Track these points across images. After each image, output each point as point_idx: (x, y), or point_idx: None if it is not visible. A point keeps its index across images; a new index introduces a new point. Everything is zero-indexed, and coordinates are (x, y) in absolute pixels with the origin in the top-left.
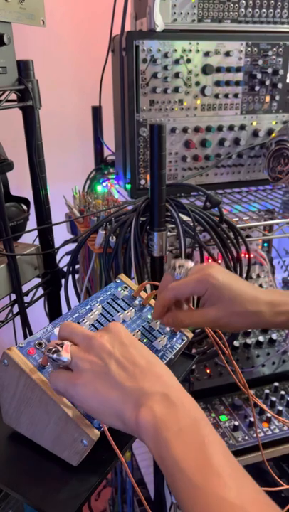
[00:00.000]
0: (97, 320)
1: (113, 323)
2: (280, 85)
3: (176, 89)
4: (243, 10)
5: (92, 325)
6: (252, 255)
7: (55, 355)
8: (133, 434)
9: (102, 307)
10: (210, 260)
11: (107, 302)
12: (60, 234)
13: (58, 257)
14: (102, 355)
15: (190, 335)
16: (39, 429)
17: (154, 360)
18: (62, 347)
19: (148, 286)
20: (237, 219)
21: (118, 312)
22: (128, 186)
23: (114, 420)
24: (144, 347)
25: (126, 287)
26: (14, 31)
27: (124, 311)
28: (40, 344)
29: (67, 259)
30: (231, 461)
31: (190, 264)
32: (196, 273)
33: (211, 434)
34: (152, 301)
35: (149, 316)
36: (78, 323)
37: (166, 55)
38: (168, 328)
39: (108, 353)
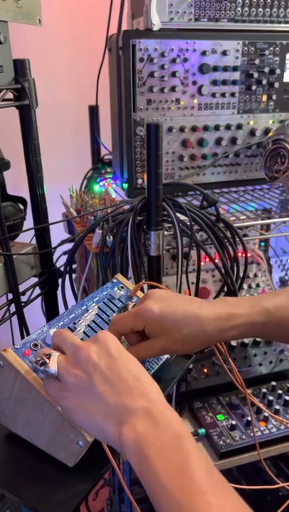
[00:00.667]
0: (93, 320)
1: (102, 332)
2: (276, 84)
3: (173, 89)
4: (239, 9)
5: (88, 325)
6: (249, 254)
7: (42, 368)
8: (116, 449)
9: (99, 307)
10: (207, 260)
11: (104, 302)
12: (57, 233)
13: (55, 257)
14: (88, 368)
15: None
16: (35, 429)
17: (140, 374)
18: (49, 358)
19: (145, 286)
20: (234, 218)
21: (114, 312)
22: (125, 185)
23: (98, 434)
24: (132, 359)
25: (122, 287)
26: (11, 30)
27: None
28: (35, 345)
29: (64, 258)
30: (215, 477)
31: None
32: (135, 305)
33: (194, 450)
34: None
35: None
36: (74, 323)
37: (162, 54)
38: None
39: (94, 366)
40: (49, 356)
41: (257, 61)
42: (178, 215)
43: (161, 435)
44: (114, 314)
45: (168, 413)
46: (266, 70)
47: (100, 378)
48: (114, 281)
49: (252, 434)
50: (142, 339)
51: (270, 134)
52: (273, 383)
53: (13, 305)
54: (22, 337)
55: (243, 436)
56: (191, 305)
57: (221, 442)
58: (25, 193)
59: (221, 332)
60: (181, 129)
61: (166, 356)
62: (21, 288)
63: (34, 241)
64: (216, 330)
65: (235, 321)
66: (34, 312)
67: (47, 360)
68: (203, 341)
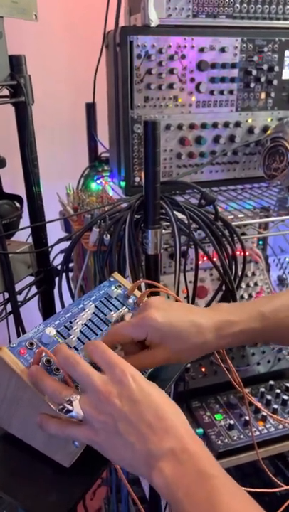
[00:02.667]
0: (90, 319)
1: (120, 368)
2: (275, 82)
3: (170, 86)
4: (238, 5)
5: (85, 324)
6: (247, 253)
7: (68, 415)
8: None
9: (95, 306)
10: (205, 258)
11: (100, 301)
12: (54, 232)
13: (51, 256)
14: (112, 414)
15: None
16: (31, 430)
17: (162, 408)
18: (71, 404)
19: (142, 285)
20: (232, 217)
21: (111, 311)
22: (122, 184)
23: (133, 471)
24: (154, 395)
25: (119, 286)
26: (7, 25)
27: (118, 310)
28: (31, 344)
29: (61, 257)
30: (244, 505)
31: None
32: (135, 315)
33: (219, 483)
34: None
35: None
36: (70, 322)
37: (160, 51)
38: None
39: (118, 413)
40: (70, 402)
41: (255, 58)
42: (176, 213)
43: (187, 475)
44: (112, 324)
45: (191, 448)
46: (265, 67)
47: (125, 425)
48: (112, 279)
49: (250, 434)
50: (141, 349)
51: (269, 132)
52: (271, 382)
53: (9, 304)
54: (18, 336)
55: (241, 436)
56: (193, 314)
57: (219, 442)
58: (21, 191)
59: (219, 339)
60: (179, 127)
61: None
62: (18, 287)
63: (30, 239)
64: (215, 339)
65: (232, 328)
66: (31, 311)
67: (70, 408)
68: (205, 349)
